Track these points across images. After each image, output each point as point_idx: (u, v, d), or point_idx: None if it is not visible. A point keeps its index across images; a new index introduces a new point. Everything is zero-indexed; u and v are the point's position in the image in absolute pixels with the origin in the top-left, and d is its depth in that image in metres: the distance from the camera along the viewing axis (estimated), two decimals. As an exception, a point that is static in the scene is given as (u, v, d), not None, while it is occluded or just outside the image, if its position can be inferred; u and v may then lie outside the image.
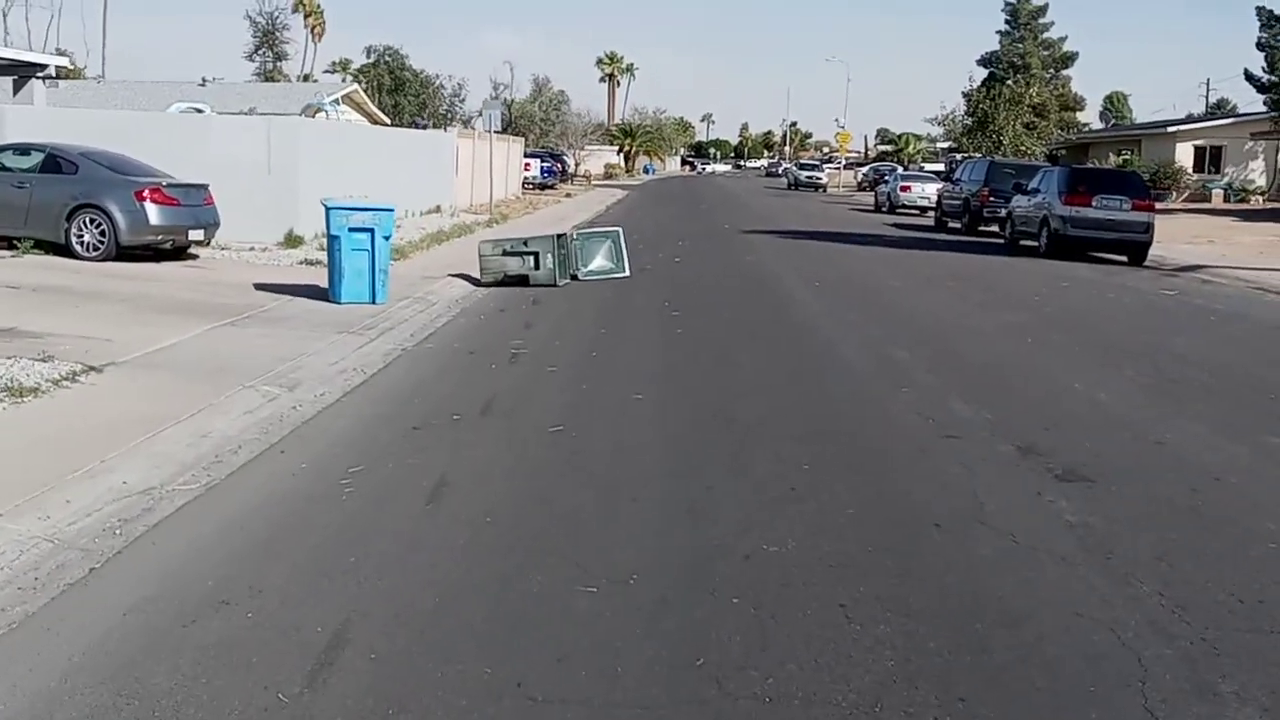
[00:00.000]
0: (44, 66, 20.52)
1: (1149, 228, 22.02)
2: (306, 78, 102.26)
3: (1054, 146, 53.43)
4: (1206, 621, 4.27)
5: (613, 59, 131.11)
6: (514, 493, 5.91)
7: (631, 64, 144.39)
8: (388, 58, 75.17)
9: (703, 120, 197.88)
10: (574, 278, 16.28)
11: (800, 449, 6.72)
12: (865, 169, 66.83)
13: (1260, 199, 47.47)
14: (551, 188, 51.81)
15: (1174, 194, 49.73)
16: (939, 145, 49.88)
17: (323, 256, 17.31)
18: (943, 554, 4.99)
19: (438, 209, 28.43)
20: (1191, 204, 46.83)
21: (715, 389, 8.57)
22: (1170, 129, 52.36)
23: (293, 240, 18.18)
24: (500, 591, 4.50)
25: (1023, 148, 43.49)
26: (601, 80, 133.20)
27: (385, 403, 8.17)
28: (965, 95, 44.81)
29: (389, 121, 48.15)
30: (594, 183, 64.01)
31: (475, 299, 14.32)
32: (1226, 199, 47.21)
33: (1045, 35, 72.09)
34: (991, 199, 27.78)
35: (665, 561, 4.86)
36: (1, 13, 79.04)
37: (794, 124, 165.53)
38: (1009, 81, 52.52)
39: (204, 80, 47.55)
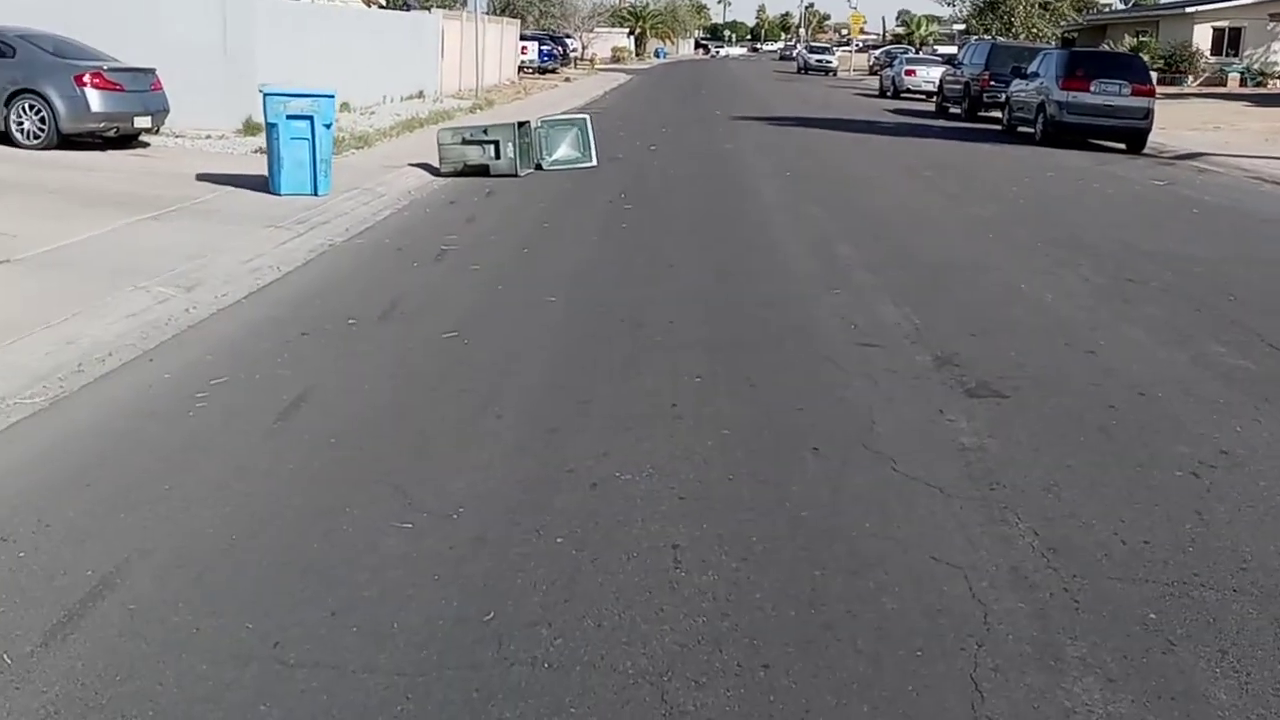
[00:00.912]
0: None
1: (1148, 114, 21.16)
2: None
3: (1069, 29, 51.69)
4: (1075, 568, 3.83)
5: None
6: (374, 408, 5.48)
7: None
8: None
9: (719, 2, 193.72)
10: (538, 167, 15.71)
11: (699, 359, 6.26)
12: (878, 53, 64.94)
13: (1278, 83, 45.96)
14: (553, 71, 50.54)
15: (1190, 78, 48.23)
16: (954, 27, 48.04)
17: (281, 144, 16.82)
18: (810, 484, 4.55)
19: (420, 94, 27.61)
20: (1207, 88, 45.39)
21: (635, 291, 8.07)
22: (1189, 9, 50.43)
23: (252, 128, 17.49)
24: (307, 528, 4.09)
25: (1035, 30, 41.91)
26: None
27: (285, 305, 7.73)
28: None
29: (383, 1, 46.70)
30: (598, 67, 62.49)
31: (430, 190, 13.79)
32: (1243, 83, 45.70)
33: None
34: (992, 84, 26.80)
35: (502, 492, 4.43)
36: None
37: (810, 5, 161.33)
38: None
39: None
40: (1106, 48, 56.64)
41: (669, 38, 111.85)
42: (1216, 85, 45.80)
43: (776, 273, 8.82)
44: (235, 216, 10.80)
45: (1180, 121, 28.39)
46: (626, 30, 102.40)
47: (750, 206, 12.36)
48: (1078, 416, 5.43)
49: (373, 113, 22.24)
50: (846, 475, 4.62)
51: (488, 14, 39.30)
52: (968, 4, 42.95)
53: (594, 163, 16.03)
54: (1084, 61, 21.96)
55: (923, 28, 71.17)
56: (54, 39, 15.11)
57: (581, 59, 67.75)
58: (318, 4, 24.40)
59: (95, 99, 14.30)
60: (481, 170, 14.89)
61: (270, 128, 12.27)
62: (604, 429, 5.13)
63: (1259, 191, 15.98)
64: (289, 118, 12.24)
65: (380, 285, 8.31)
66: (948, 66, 33.48)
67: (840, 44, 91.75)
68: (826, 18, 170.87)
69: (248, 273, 8.77)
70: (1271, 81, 46.48)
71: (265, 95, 12.27)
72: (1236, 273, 9.38)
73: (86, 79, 14.23)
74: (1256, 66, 46.95)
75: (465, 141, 15.12)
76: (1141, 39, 51.19)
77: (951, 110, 30.31)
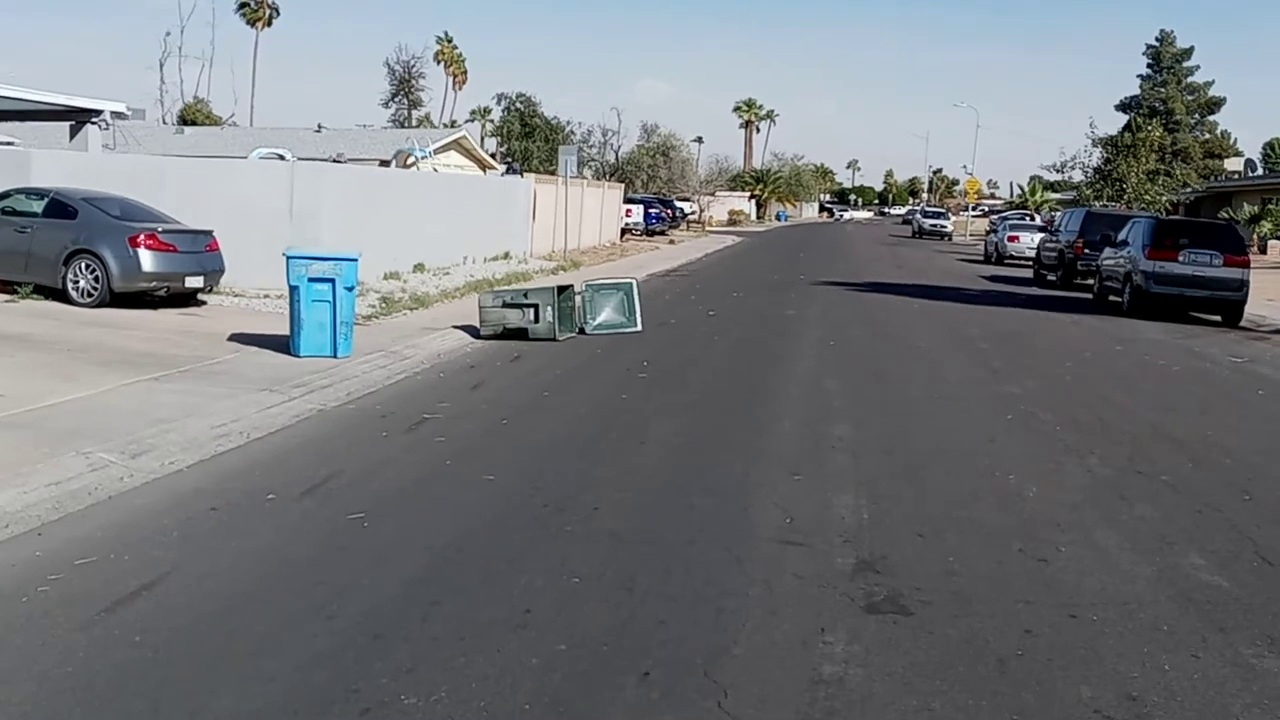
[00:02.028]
0: (99, 112, 20.77)
1: (1243, 285, 20.12)
2: (453, 123, 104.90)
3: (1187, 195, 50.50)
4: None
5: (749, 106, 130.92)
6: (216, 600, 5.10)
7: (771, 111, 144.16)
8: (519, 104, 76.15)
9: (848, 167, 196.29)
10: (581, 331, 15.51)
11: (595, 555, 5.75)
12: (995, 218, 64.41)
13: None
14: (661, 234, 51.24)
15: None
16: (1068, 194, 47.26)
17: (339, 304, 17.04)
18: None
19: (507, 255, 28.01)
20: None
21: (585, 470, 7.63)
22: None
23: (313, 287, 17.78)
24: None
25: (1147, 197, 40.97)
26: (741, 126, 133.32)
27: (222, 476, 7.49)
28: (1091, 140, 42.55)
29: (498, 167, 48.31)
30: (709, 229, 63.19)
31: (461, 353, 13.64)
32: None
33: (1190, 80, 69.02)
34: (1086, 251, 26.00)
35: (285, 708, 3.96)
36: (159, 62, 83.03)
37: (939, 171, 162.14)
38: (1144, 127, 49.80)
39: (319, 127, 48.56)
40: (1225, 216, 55.13)
41: (790, 201, 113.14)
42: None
43: (748, 453, 8.26)
44: (239, 379, 10.74)
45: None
46: (748, 194, 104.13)
47: (771, 379, 11.86)
48: (981, 643, 4.73)
49: (447, 273, 22.54)
50: (658, 711, 4.02)
51: (585, 179, 40.22)
52: (1077, 170, 42.31)
53: (638, 328, 15.79)
54: (1173, 230, 21.11)
55: (1037, 194, 70.47)
56: (121, 202, 15.70)
57: (695, 221, 68.74)
58: (393, 171, 25.18)
59: (147, 259, 14.70)
60: (520, 334, 14.75)
61: (292, 290, 12.34)
62: (437, 638, 4.64)
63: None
64: (311, 280, 12.29)
65: (331, 457, 8.03)
66: (1044, 233, 32.76)
67: (970, 207, 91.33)
68: (955, 183, 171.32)
69: (211, 439, 8.59)
70: None
71: (288, 258, 12.38)
72: (1270, 467, 8.48)
73: (141, 239, 14.67)
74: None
75: (506, 305, 15.03)
76: (1269, 206, 49.65)
77: (1048, 277, 29.48)
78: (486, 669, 4.33)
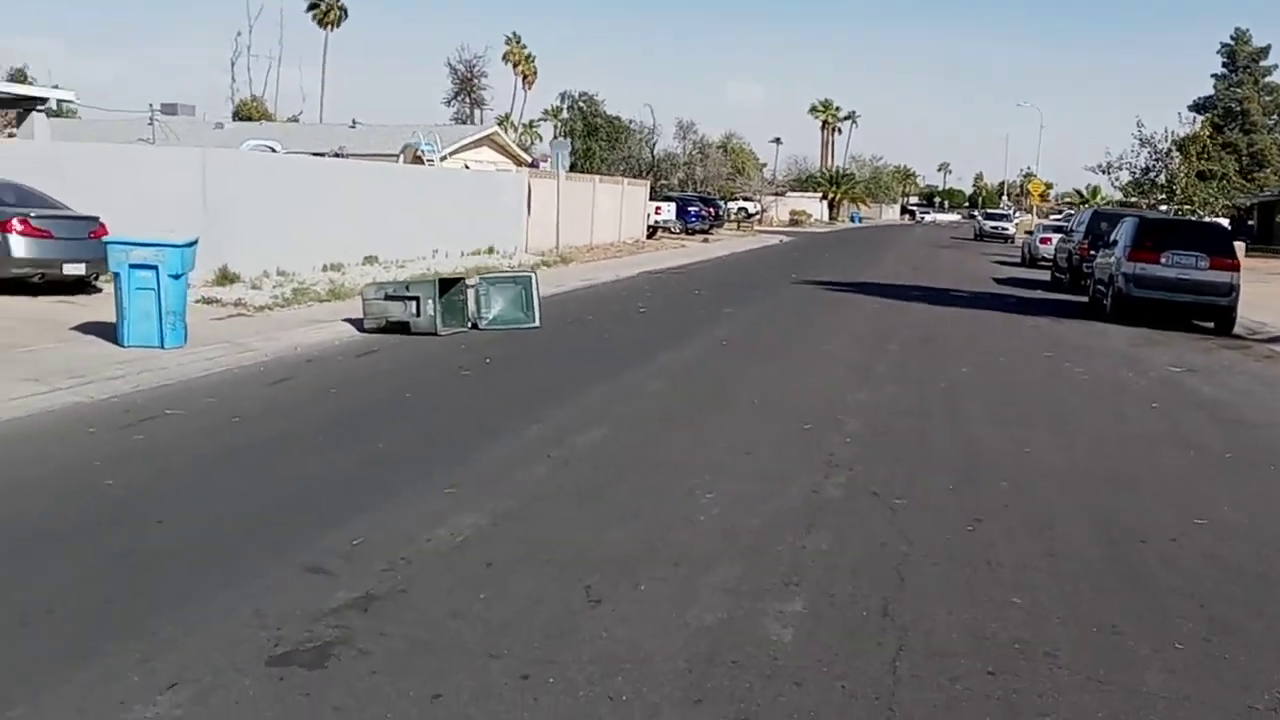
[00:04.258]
0: (44, 100, 20.52)
1: (1231, 289, 18.52)
2: (530, 124, 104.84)
3: (1254, 199, 47.86)
4: None
5: (826, 106, 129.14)
6: None
7: (853, 112, 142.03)
8: (581, 103, 75.65)
9: (939, 170, 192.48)
10: (474, 326, 14.68)
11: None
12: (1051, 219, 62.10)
13: None
14: (704, 232, 50.17)
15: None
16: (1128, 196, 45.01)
17: (246, 294, 16.44)
18: None
19: (490, 250, 27.29)
20: None
21: (281, 491, 6.77)
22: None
23: (228, 277, 17.26)
24: None
25: (1195, 200, 38.79)
26: (824, 127, 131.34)
27: None
28: (1138, 140, 40.35)
29: (529, 161, 47.67)
30: (759, 229, 61.91)
31: (322, 347, 12.88)
32: None
33: (1268, 79, 65.69)
34: (1091, 252, 24.38)
35: None
36: (230, 62, 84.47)
37: (1030, 174, 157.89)
38: (1205, 128, 47.29)
39: (354, 123, 48.50)
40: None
41: (865, 203, 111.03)
42: None
43: (457, 455, 7.32)
44: (24, 367, 10.18)
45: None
46: (820, 195, 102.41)
47: (594, 383, 10.87)
48: None
49: (403, 266, 21.87)
50: None
51: (599, 176, 39.38)
52: (1124, 172, 40.19)
53: (536, 324, 14.91)
54: (1155, 230, 19.52)
55: (1097, 196, 67.72)
56: (16, 189, 15.26)
57: (747, 221, 67.49)
58: (341, 162, 24.62)
59: (18, 245, 14.25)
60: (403, 328, 13.98)
61: (115, 277, 11.71)
62: None
63: (1249, 371, 13.43)
64: (133, 267, 11.64)
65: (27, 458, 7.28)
66: (1061, 235, 31.09)
67: (1054, 212, 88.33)
68: (1051, 185, 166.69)
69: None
70: None
71: (107, 244, 11.77)
72: (1048, 496, 7.29)
73: (12, 225, 14.18)
74: None
75: (389, 297, 14.27)
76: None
77: (1063, 280, 27.90)
78: None
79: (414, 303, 14.10)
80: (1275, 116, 64.35)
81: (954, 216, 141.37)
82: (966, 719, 3.93)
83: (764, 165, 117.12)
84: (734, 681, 4.11)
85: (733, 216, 65.28)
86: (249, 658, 4.09)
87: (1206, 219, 38.43)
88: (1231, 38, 66.59)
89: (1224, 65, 67.06)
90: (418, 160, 34.42)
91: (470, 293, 14.99)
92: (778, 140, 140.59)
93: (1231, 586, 5.53)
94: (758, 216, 76.77)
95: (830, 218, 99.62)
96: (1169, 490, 7.50)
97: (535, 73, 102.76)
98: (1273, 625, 5.03)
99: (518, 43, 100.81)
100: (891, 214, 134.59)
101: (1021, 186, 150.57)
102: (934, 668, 4.33)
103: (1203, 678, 4.40)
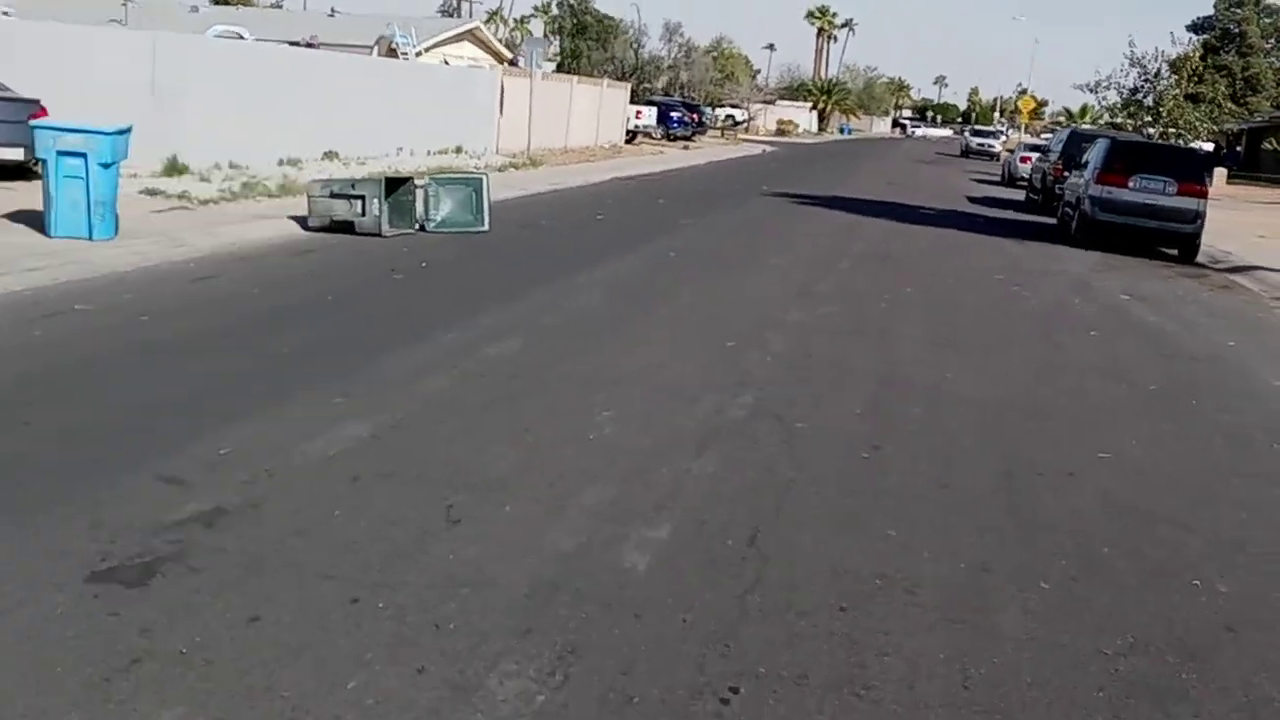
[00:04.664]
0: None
1: (1198, 216, 18.30)
2: (522, 20, 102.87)
3: (1241, 125, 47.30)
4: None
5: (823, 13, 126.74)
6: None
7: (850, 20, 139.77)
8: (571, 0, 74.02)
9: (935, 83, 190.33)
10: (422, 228, 14.40)
11: None
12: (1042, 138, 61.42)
13: None
14: (687, 138, 49.54)
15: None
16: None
17: (193, 186, 16.07)
18: None
19: (459, 150, 26.82)
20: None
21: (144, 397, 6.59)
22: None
23: (176, 169, 16.87)
24: None
25: (1180, 123, 38.25)
26: (819, 35, 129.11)
27: None
28: (1128, 60, 39.60)
29: (510, 58, 46.68)
30: (743, 138, 61.12)
31: (263, 244, 12.60)
32: None
33: (1268, 1, 64.40)
34: (1065, 173, 24.07)
35: None
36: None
37: (1024, 89, 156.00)
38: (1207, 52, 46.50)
39: (332, 11, 47.38)
40: (1270, 145, 51.83)
41: (854, 114, 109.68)
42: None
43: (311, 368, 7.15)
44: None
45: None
46: (810, 104, 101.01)
47: (528, 288, 10.68)
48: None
49: (364, 163, 21.44)
50: None
51: (575, 77, 38.61)
52: (1112, 93, 39.49)
53: (485, 228, 14.64)
54: (1126, 153, 19.21)
55: (1085, 115, 66.90)
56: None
57: (746, 130, 66.62)
58: (305, 52, 24.00)
59: (-55, 129, 13.84)
60: (348, 227, 13.70)
61: (42, 164, 11.40)
62: None
63: (1242, 309, 13.31)
64: (60, 154, 11.31)
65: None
66: (1038, 154, 30.70)
67: (1047, 130, 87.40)
68: (1044, 103, 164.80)
69: None
70: None
71: (33, 128, 11.43)
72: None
73: (-60, 108, 13.78)
74: None
75: (334, 195, 13.94)
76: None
77: (1036, 200, 27.63)
78: None
79: (359, 201, 13.79)
80: (1273, 40, 63.39)
81: (946, 132, 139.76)
82: (803, 656, 3.82)
83: (757, 72, 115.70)
84: (571, 611, 3.99)
85: (719, 124, 64.44)
86: (71, 573, 3.95)
87: (1193, 144, 38.03)
88: (1234, -44, 65.12)
89: (1225, -16, 65.74)
90: (392, 54, 33.66)
91: (419, 193, 14.68)
92: (771, 46, 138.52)
93: (1113, 524, 5.43)
94: (744, 125, 75.83)
95: (819, 128, 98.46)
96: (1084, 423, 7.39)
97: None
98: (1142, 567, 4.93)
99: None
100: (883, 127, 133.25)
101: (1014, 103, 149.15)
102: (785, 602, 4.23)
103: (1060, 620, 4.31)
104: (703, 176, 30.26)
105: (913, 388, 7.84)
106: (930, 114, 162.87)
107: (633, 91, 46.61)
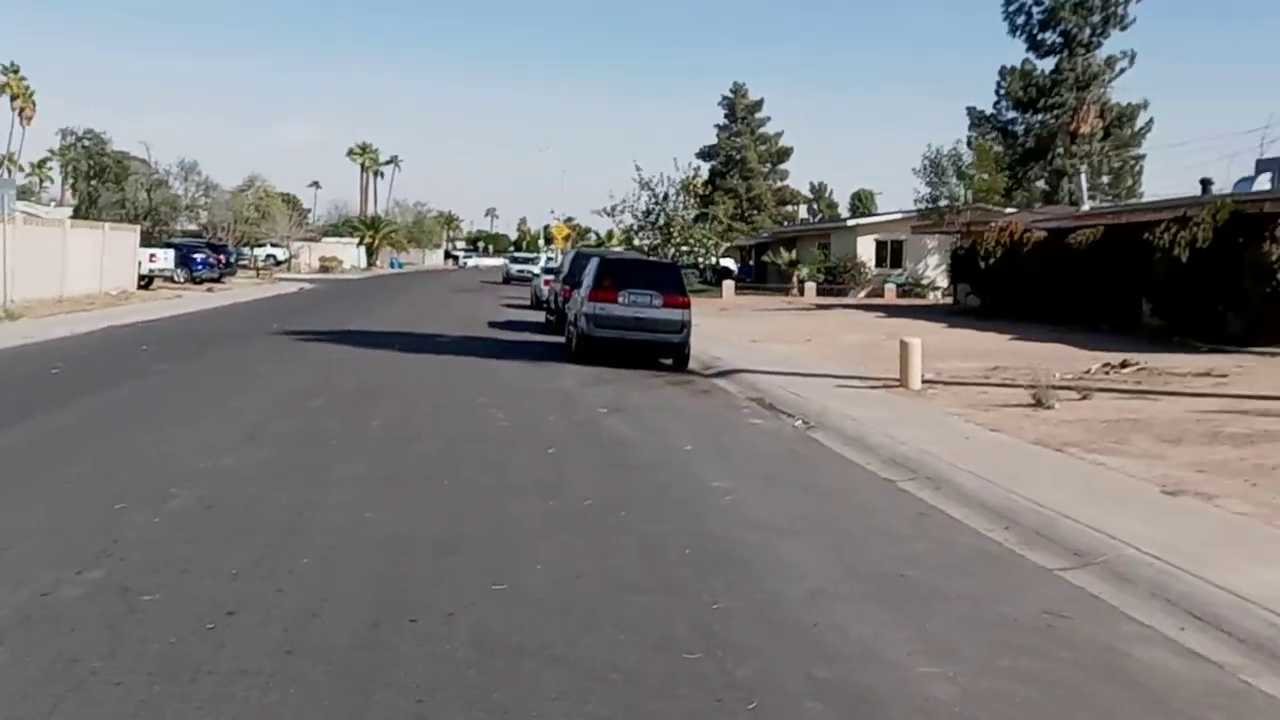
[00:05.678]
0: None
1: (684, 326, 19.20)
2: (30, 164, 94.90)
3: (750, 242, 51.76)
4: None
5: (364, 150, 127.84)
6: None
7: (395, 157, 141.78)
8: (86, 141, 69.25)
9: (486, 215, 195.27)
10: None
11: None
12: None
13: (937, 295, 46.44)
14: (215, 280, 47.06)
15: (858, 289, 48.67)
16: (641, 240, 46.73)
17: None
18: None
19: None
20: (872, 299, 45.64)
21: None
22: (850, 223, 51.63)
23: None
24: None
25: (692, 240, 41.06)
26: (363, 171, 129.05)
27: None
28: (638, 184, 42.13)
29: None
30: (279, 277, 59.27)
31: None
32: (902, 294, 46.12)
33: (762, 130, 71.66)
34: (572, 293, 24.69)
35: None
36: None
37: (571, 219, 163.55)
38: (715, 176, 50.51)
39: None
40: (767, 259, 57.15)
41: (405, 248, 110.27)
42: (878, 296, 46.07)
43: None
44: None
45: (781, 333, 27.14)
46: (357, 240, 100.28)
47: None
48: None
49: None
50: None
51: (68, 221, 35.75)
52: (627, 215, 41.83)
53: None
54: (614, 270, 19.96)
55: (611, 239, 71.17)
56: None
57: (289, 269, 64.56)
58: None
59: None
60: None
61: None
62: None
63: (713, 412, 13.82)
64: None
65: None
66: (552, 276, 31.72)
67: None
68: (586, 230, 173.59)
69: None
70: (932, 293, 47.03)
71: None
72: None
73: None
74: (910, 279, 47.71)
75: None
76: (822, 249, 51.83)
77: (553, 321, 28.26)
78: None
79: None
80: (769, 164, 70.33)
81: (498, 261, 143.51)
82: None
83: (308, 211, 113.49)
84: None
85: (259, 263, 62.34)
86: None
87: (715, 260, 40.73)
88: (731, 90, 71.93)
89: (725, 116, 72.34)
90: None
91: None
92: (316, 184, 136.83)
93: (469, 672, 4.89)
94: (286, 263, 73.90)
95: (369, 263, 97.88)
96: (493, 550, 6.94)
97: (34, 108, 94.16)
98: (487, 709, 4.41)
99: (15, 73, 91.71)
100: (436, 259, 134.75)
101: (564, 232, 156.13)
102: None
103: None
104: (212, 319, 28.59)
105: (316, 534, 7.09)
106: (482, 244, 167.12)
107: (147, 234, 43.85)
